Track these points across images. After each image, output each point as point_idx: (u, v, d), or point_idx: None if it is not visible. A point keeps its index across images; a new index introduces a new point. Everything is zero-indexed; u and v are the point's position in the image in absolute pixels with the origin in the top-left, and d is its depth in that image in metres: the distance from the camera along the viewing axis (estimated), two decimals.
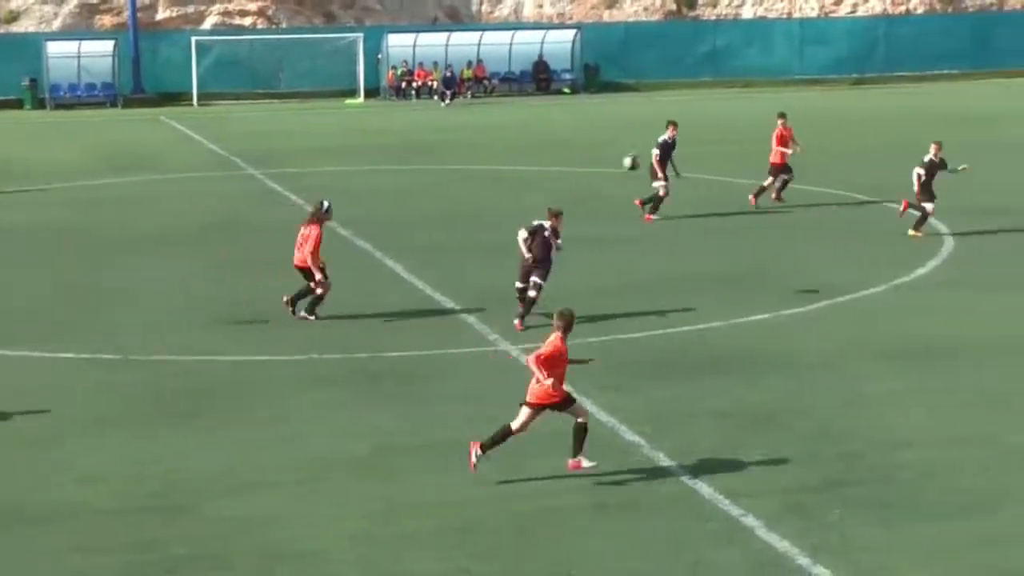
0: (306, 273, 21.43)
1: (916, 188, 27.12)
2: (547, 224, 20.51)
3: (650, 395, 17.34)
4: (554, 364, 14.27)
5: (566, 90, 65.28)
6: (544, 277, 20.60)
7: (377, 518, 13.52)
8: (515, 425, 14.45)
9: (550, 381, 14.10)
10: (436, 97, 62.74)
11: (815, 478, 14.30)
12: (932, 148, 27.21)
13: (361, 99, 62.51)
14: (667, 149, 29.57)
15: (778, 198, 30.96)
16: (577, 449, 14.43)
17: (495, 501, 13.90)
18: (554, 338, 14.47)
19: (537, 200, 26.44)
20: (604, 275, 24.16)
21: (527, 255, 20.47)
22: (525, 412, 14.40)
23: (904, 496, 13.81)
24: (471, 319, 21.38)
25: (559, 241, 20.71)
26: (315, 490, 14.34)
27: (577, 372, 16.68)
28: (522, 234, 20.55)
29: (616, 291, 23.02)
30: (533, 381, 14.28)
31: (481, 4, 70.22)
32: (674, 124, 30.03)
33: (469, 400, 17.12)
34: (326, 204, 21.86)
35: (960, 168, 27.38)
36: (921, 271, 24.31)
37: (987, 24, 66.17)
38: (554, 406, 14.38)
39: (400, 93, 64.46)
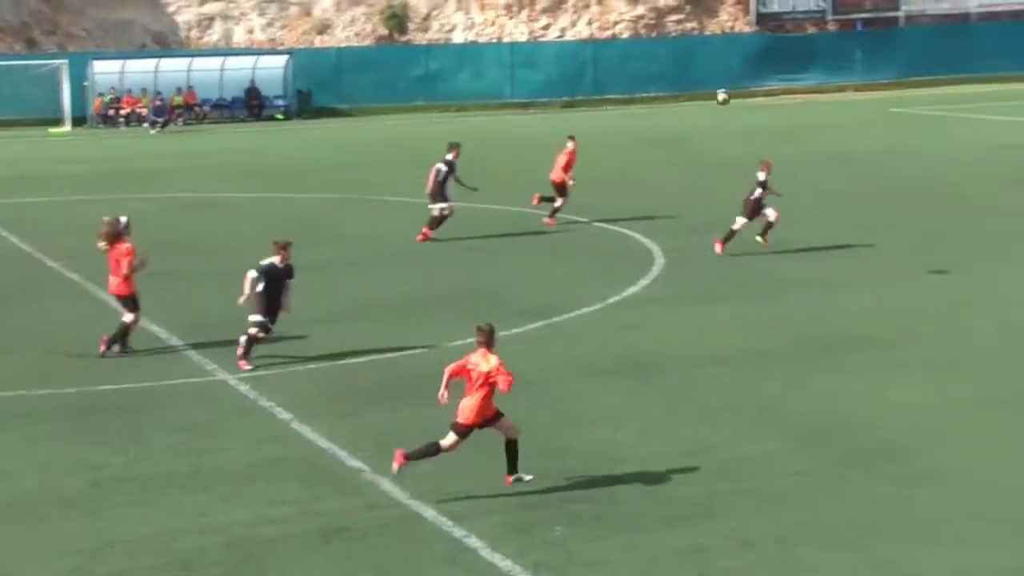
0: (125, 300, 20.60)
1: (745, 206, 27.56)
2: (278, 262, 19.63)
3: (372, 420, 17.30)
4: (483, 382, 14.29)
5: (279, 116, 64.83)
6: (272, 318, 19.90)
7: (91, 555, 13.13)
8: (445, 443, 14.49)
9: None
10: (146, 124, 61.51)
11: (536, 496, 14.50)
12: (762, 167, 27.73)
13: (68, 127, 60.83)
14: (449, 171, 29.85)
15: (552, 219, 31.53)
16: (512, 466, 14.65)
17: (214, 532, 13.65)
18: (484, 354, 14.35)
19: (254, 226, 26.20)
20: (333, 301, 24.01)
21: (247, 293, 19.65)
22: (456, 435, 14.44)
23: (622, 510, 14.11)
24: (187, 349, 20.98)
25: (292, 280, 19.83)
26: (26, 528, 13.86)
27: (298, 398, 16.53)
28: (251, 274, 19.65)
29: (343, 317, 22.94)
30: (467, 400, 14.33)
31: (190, 30, 69.20)
32: (456, 146, 30.28)
33: (184, 432, 16.80)
34: (124, 220, 20.99)
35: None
36: (632, 289, 24.90)
37: (688, 48, 68.41)
38: (486, 422, 14.45)
39: (108, 121, 62.96)
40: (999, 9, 67.87)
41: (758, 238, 27.68)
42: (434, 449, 14.60)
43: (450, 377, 14.57)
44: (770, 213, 27.60)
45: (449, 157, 30.13)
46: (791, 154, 43.18)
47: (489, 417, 14.56)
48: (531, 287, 25.29)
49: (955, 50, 66.14)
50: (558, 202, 31.52)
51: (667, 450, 15.93)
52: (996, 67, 65.75)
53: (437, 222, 30.00)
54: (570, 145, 31.63)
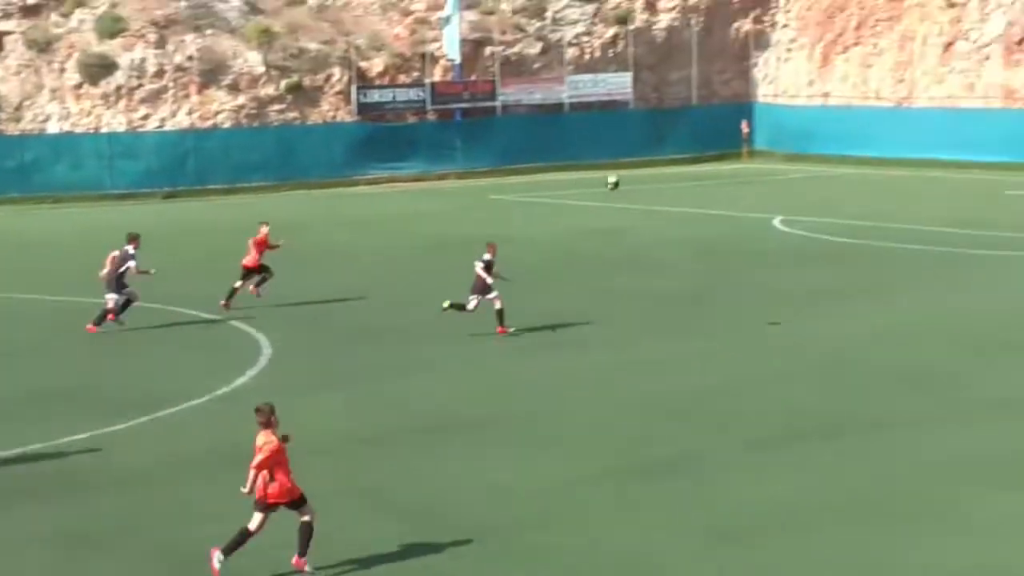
0: None
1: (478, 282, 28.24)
2: None
3: None
4: (278, 461, 14.54)
5: None
6: None
7: None
8: (252, 526, 14.84)
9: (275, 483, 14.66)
10: None
11: None
12: (488, 248, 28.69)
13: None
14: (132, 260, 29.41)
15: (256, 292, 31.78)
16: (303, 548, 14.95)
17: None
18: (265, 438, 14.73)
19: None
20: None
21: None
22: (260, 513, 14.81)
23: None
24: None
25: None
26: None
27: None
28: None
29: None
30: (262, 482, 14.67)
31: None
32: (137, 237, 29.79)
33: None
34: None
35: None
36: (241, 380, 24.73)
37: (290, 137, 68.60)
38: (292, 503, 14.84)
39: None
40: (589, 100, 71.00)
41: (502, 329, 28.21)
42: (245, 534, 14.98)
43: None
44: (493, 300, 28.14)
45: (131, 249, 29.52)
46: (394, 242, 43.91)
47: (297, 498, 14.99)
48: (139, 379, 24.78)
49: (549, 138, 68.70)
50: (239, 284, 31.75)
51: (282, 539, 15.82)
52: (587, 155, 68.70)
53: (103, 316, 29.34)
54: (263, 230, 32.13)
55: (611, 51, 72.50)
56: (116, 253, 29.58)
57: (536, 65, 70.59)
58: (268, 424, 14.91)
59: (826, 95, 74.72)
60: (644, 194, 57.32)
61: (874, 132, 69.49)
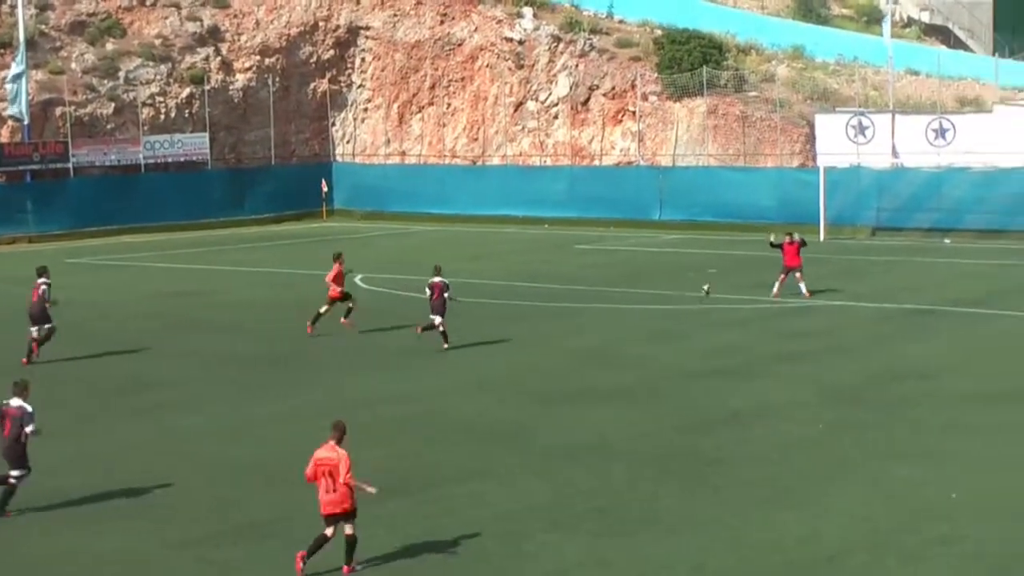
0: None
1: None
2: None
3: None
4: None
5: None
6: None
7: None
8: (329, 532, 16.97)
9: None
10: None
11: None
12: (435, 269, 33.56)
13: None
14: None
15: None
16: (350, 557, 17.06)
17: None
18: (340, 450, 17.01)
19: None
20: None
21: None
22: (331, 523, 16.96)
23: None
24: None
25: None
26: None
27: None
28: None
29: None
30: (330, 492, 16.83)
31: None
32: (46, 269, 33.58)
33: None
34: None
35: None
36: None
37: None
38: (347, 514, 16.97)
39: None
40: (167, 160, 69.89)
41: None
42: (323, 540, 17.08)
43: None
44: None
45: (45, 280, 32.96)
46: None
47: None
48: None
49: (126, 200, 67.07)
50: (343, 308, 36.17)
51: None
52: (166, 216, 67.53)
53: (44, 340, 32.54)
54: (336, 266, 36.07)
55: (187, 111, 71.78)
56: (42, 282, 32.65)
57: (110, 125, 69.09)
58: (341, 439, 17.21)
59: (403, 154, 76.27)
60: (226, 255, 57.01)
61: (450, 190, 71.34)
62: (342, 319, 35.99)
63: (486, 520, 19.52)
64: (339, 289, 36.11)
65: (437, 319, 33.31)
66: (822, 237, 56.51)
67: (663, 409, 26.79)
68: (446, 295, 33.42)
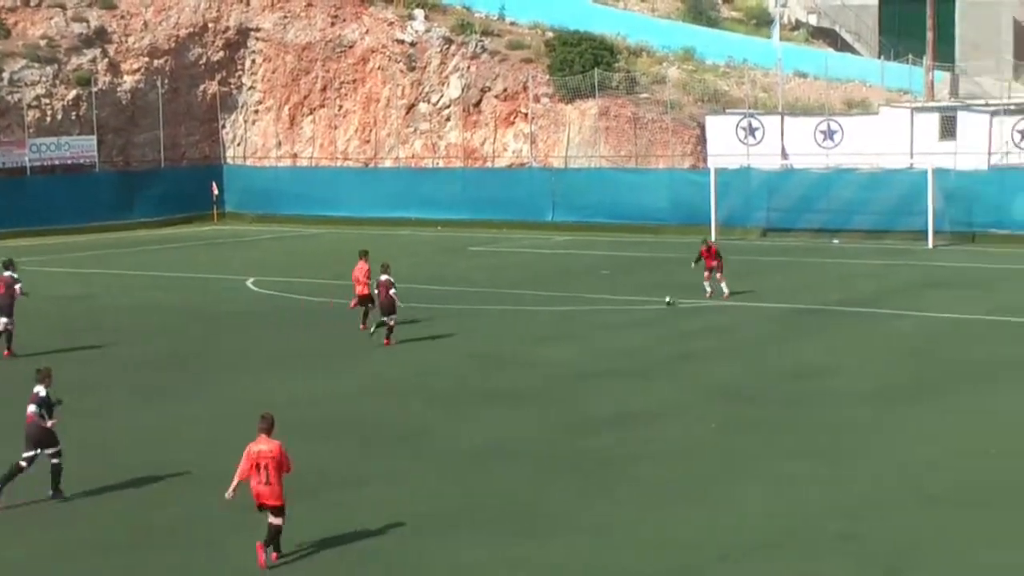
0: None
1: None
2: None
3: None
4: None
5: None
6: None
7: None
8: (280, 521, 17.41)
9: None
10: None
11: None
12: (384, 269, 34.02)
13: None
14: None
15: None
16: (276, 546, 17.53)
17: None
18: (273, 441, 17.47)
19: None
20: None
21: None
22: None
23: None
24: None
25: None
26: None
27: None
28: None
29: None
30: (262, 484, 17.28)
31: None
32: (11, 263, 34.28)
33: None
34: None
35: None
36: None
37: None
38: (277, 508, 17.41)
39: None
40: (53, 163, 68.75)
41: None
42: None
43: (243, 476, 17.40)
44: None
45: (13, 273, 34.28)
46: None
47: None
48: None
49: (11, 203, 65.79)
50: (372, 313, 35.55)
51: None
52: (54, 219, 66.41)
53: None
54: (362, 262, 36.03)
55: (74, 113, 70.75)
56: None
57: None
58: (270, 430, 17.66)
59: (295, 156, 75.78)
60: (114, 258, 56.27)
61: (343, 192, 71.03)
62: (360, 325, 36.00)
63: (382, 522, 19.40)
64: (365, 284, 35.98)
65: (392, 320, 33.92)
66: (714, 238, 56.96)
67: (559, 410, 26.83)
68: (391, 292, 33.81)
